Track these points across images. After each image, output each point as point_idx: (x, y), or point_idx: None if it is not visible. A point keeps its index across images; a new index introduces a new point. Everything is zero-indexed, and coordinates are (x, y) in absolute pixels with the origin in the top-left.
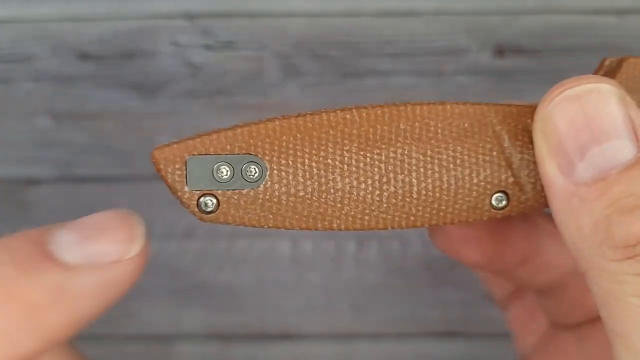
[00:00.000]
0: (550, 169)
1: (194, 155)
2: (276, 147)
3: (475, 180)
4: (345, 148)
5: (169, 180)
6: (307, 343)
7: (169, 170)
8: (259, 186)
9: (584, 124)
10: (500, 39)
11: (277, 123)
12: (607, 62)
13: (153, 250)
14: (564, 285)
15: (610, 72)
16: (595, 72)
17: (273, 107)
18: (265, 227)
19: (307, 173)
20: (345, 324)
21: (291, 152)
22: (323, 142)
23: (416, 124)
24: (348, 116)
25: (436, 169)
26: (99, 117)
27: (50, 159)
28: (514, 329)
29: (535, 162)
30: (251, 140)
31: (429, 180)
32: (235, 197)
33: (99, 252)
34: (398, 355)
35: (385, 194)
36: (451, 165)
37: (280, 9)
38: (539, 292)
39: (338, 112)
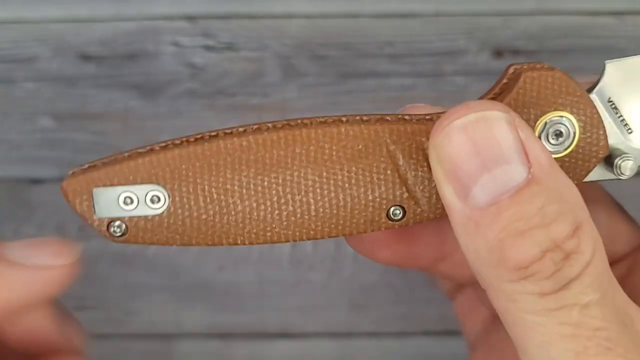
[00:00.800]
0: (447, 194)
1: (99, 186)
2: (176, 175)
3: (370, 197)
4: (243, 173)
5: (79, 210)
6: (307, 341)
7: (77, 201)
8: (162, 212)
9: (474, 152)
10: (498, 40)
11: (176, 152)
12: (511, 70)
13: (154, 250)
14: None
15: (512, 81)
16: (500, 79)
17: (273, 107)
18: (174, 245)
19: (208, 198)
20: (344, 322)
21: (191, 179)
22: (221, 168)
23: (311, 147)
24: (244, 143)
25: (332, 188)
26: (101, 118)
27: (53, 159)
28: (460, 320)
29: (429, 178)
30: (152, 170)
31: (326, 199)
32: (142, 222)
33: (36, 256)
34: (396, 353)
35: (285, 212)
36: (346, 185)
37: (280, 11)
38: (470, 284)
39: (235, 139)
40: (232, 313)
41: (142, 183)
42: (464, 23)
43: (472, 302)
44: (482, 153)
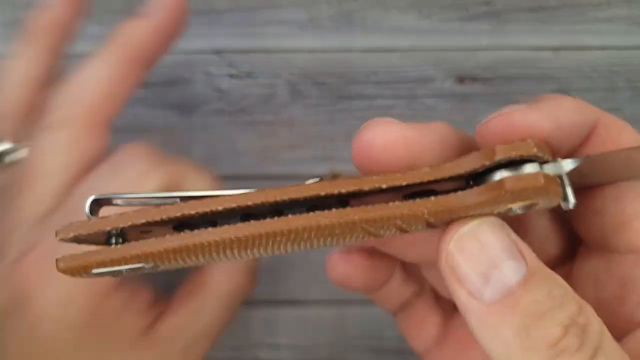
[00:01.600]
0: (463, 297)
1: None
2: (159, 259)
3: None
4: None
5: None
6: (311, 307)
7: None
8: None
9: (480, 254)
10: (460, 69)
11: (162, 249)
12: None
13: None
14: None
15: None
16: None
17: (283, 123)
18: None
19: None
20: (342, 292)
21: (172, 260)
22: (207, 252)
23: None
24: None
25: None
26: (146, 131)
27: None
28: (408, 334)
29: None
30: (140, 259)
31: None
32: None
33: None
34: (385, 318)
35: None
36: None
37: (288, 47)
38: (424, 266)
39: (218, 238)
40: None
41: (132, 263)
42: (433, 56)
43: (422, 312)
44: (488, 253)
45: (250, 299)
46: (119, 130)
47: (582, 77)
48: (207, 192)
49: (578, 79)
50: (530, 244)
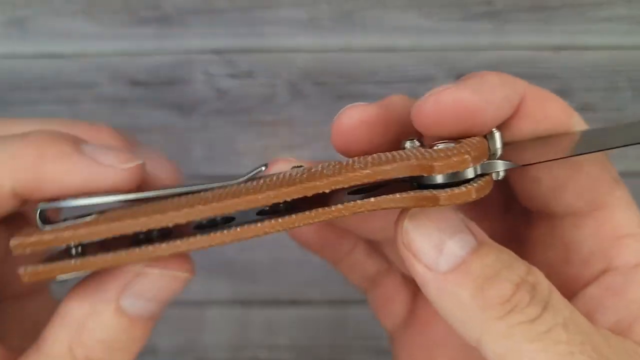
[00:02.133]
0: (420, 270)
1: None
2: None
3: None
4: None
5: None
6: (311, 308)
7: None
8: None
9: (432, 229)
10: (461, 69)
11: (119, 262)
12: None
13: None
14: None
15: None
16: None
17: (283, 123)
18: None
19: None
20: (341, 292)
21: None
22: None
23: None
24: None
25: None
26: (148, 131)
27: None
28: (378, 312)
29: None
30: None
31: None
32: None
33: (104, 155)
34: None
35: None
36: None
37: (288, 46)
38: (385, 244)
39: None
40: (251, 285)
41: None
42: (434, 56)
43: (390, 290)
44: (439, 229)
45: (251, 299)
46: (119, 130)
47: (583, 77)
48: (153, 192)
49: (579, 79)
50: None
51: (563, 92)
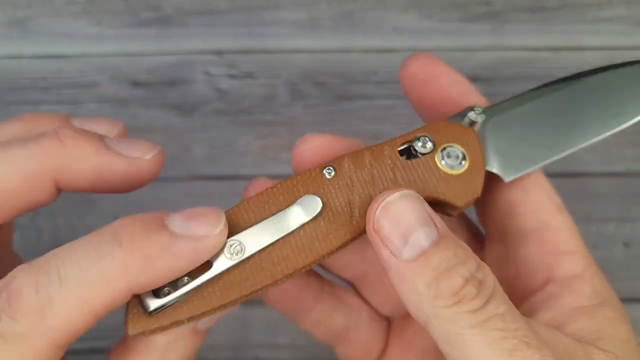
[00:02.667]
0: (386, 256)
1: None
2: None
3: None
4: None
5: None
6: None
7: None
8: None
9: (401, 219)
10: (461, 69)
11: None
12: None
13: None
14: (373, 281)
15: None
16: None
17: (283, 123)
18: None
19: None
20: None
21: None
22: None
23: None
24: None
25: None
26: (148, 131)
27: None
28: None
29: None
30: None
31: None
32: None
33: (196, 228)
34: None
35: None
36: None
37: (288, 47)
38: (361, 284)
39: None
40: None
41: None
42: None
43: (362, 343)
44: (406, 220)
45: (251, 299)
46: None
47: None
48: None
49: None
50: None
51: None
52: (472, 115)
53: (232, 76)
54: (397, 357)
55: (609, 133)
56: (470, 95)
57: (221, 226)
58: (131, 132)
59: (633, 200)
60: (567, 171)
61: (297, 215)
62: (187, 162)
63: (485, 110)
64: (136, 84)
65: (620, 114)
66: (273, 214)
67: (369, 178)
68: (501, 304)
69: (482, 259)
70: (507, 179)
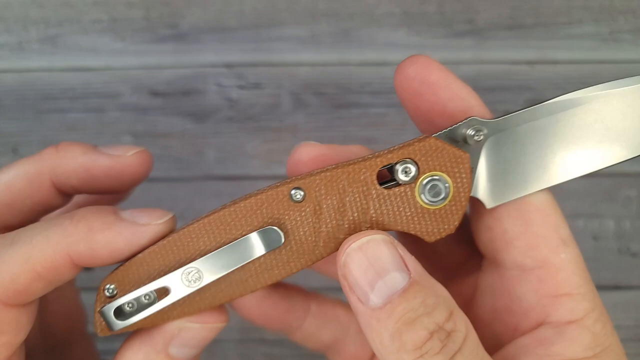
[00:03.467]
0: (353, 301)
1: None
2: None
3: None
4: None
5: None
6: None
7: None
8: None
9: (368, 265)
10: None
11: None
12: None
13: None
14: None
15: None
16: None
17: (287, 129)
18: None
19: None
20: (337, 282)
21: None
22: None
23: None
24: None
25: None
26: (166, 136)
27: None
28: None
29: None
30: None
31: None
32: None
33: (139, 216)
34: None
35: None
36: None
37: (292, 61)
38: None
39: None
40: None
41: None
42: None
43: (354, 352)
44: (375, 265)
45: None
46: (140, 135)
47: (555, 88)
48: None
49: (552, 90)
50: (433, 255)
51: (537, 102)
52: (469, 130)
53: (241, 87)
54: None
55: (607, 166)
56: (470, 110)
57: (161, 221)
58: (150, 138)
59: (601, 198)
60: None
61: (257, 247)
62: (200, 164)
63: (487, 124)
64: (155, 94)
65: (622, 147)
66: (233, 240)
67: (340, 205)
68: (471, 359)
69: (477, 282)
70: (489, 205)
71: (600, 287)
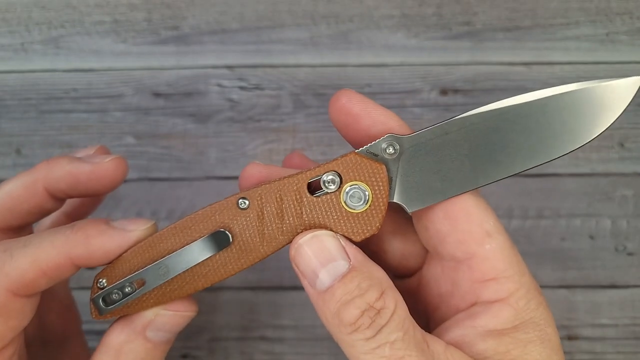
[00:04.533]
0: (305, 285)
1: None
2: None
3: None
4: None
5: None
6: None
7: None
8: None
9: (312, 256)
10: (444, 82)
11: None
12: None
13: None
14: None
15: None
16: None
17: (287, 130)
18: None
19: None
20: None
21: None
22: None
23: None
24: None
25: None
26: (167, 137)
27: (133, 166)
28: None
29: None
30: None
31: None
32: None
33: (128, 225)
34: None
35: None
36: None
37: (292, 62)
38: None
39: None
40: (258, 273)
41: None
42: (420, 71)
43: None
44: (318, 256)
45: (259, 285)
46: (141, 135)
47: None
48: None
49: None
50: (391, 257)
51: None
52: (384, 145)
53: (242, 88)
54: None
55: (529, 167)
56: (390, 131)
57: (144, 227)
58: (152, 138)
59: (597, 198)
60: (539, 172)
61: (211, 247)
62: (202, 164)
63: (402, 139)
64: (157, 94)
65: (548, 147)
66: (194, 240)
67: (279, 212)
68: (394, 332)
69: (425, 272)
70: (410, 210)
71: (597, 286)
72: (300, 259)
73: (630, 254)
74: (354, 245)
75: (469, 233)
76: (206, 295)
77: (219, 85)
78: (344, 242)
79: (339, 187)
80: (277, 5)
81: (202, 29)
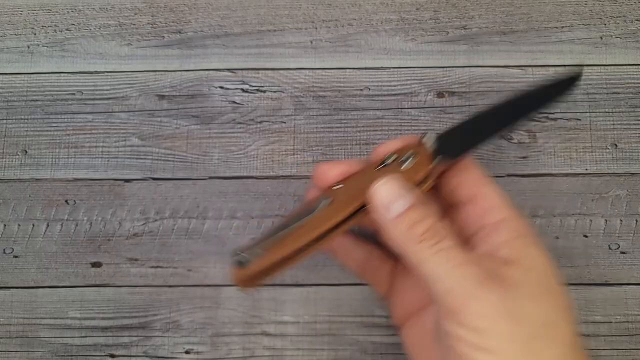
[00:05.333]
0: (379, 215)
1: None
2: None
3: None
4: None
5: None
6: (312, 289)
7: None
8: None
9: (387, 196)
10: (440, 85)
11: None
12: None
13: (208, 227)
14: None
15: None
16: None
17: (288, 131)
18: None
19: None
20: (337, 275)
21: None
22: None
23: None
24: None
25: None
26: (172, 138)
27: (138, 166)
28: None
29: None
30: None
31: None
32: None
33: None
34: (373, 296)
35: None
36: None
37: (293, 65)
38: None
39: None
40: None
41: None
42: (417, 74)
43: (423, 330)
44: (390, 196)
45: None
46: (146, 137)
47: None
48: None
49: None
50: (445, 189)
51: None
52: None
53: (244, 90)
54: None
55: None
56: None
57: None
58: (157, 139)
59: (591, 197)
60: (534, 172)
61: (323, 203)
62: (206, 164)
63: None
64: (161, 97)
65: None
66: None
67: (362, 184)
68: (448, 242)
69: (464, 210)
70: (445, 157)
71: (591, 283)
72: (375, 198)
73: (623, 252)
74: (414, 187)
75: (473, 181)
76: (209, 291)
77: (222, 87)
78: (406, 185)
79: (396, 159)
80: (278, 9)
81: (205, 32)
